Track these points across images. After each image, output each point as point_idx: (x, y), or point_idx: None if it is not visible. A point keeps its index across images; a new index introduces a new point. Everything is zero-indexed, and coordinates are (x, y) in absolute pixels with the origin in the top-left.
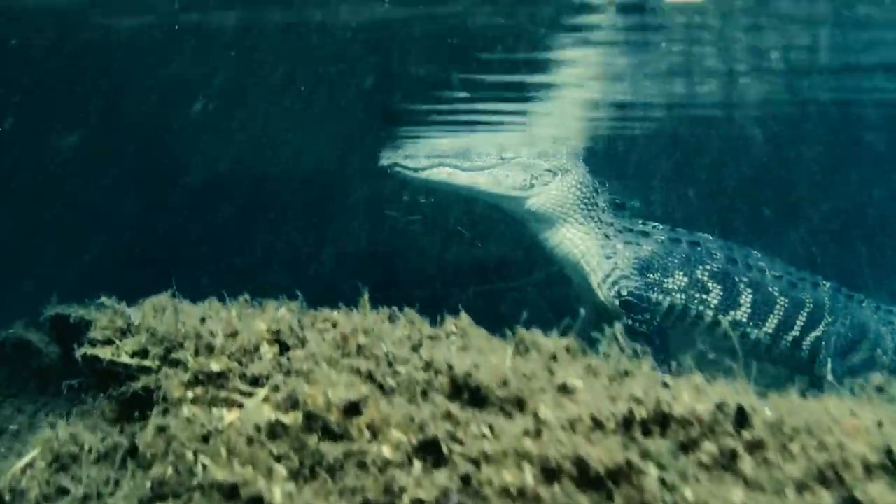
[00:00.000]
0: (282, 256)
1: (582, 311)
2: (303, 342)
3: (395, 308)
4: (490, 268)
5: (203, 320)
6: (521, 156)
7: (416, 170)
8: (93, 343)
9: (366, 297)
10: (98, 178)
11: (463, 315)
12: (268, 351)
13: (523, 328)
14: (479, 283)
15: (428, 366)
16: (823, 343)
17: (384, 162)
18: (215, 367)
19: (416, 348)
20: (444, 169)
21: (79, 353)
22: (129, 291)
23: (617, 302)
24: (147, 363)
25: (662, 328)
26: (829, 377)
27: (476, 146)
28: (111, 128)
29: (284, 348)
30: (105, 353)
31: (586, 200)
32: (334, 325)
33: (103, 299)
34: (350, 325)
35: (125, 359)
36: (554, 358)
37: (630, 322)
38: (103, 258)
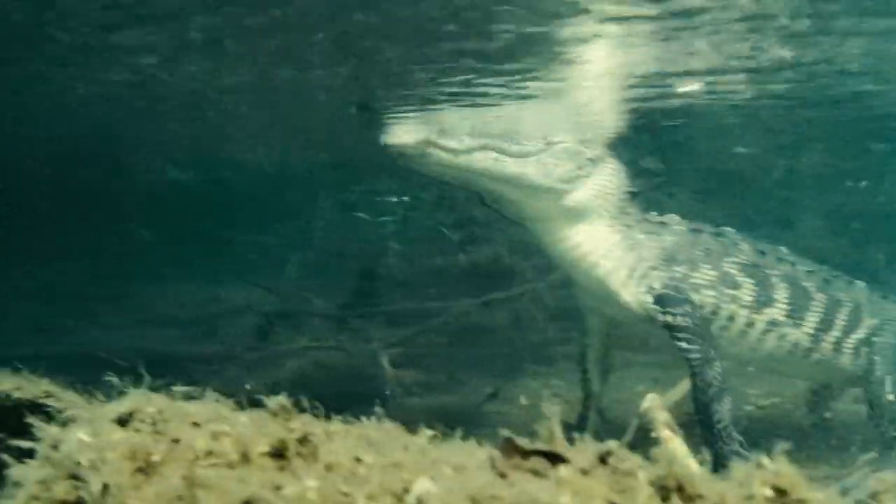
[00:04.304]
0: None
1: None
2: None
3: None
4: (481, 275)
5: None
6: (566, 140)
7: (456, 152)
8: None
9: None
10: None
11: None
12: None
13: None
14: (470, 294)
15: None
16: (878, 358)
17: (407, 139)
18: None
19: None
20: (490, 154)
21: None
22: None
23: (650, 298)
24: None
25: (706, 320)
26: (891, 397)
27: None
28: None
29: None
30: None
31: (619, 193)
32: None
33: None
34: None
35: None
36: None
37: (671, 318)
38: None
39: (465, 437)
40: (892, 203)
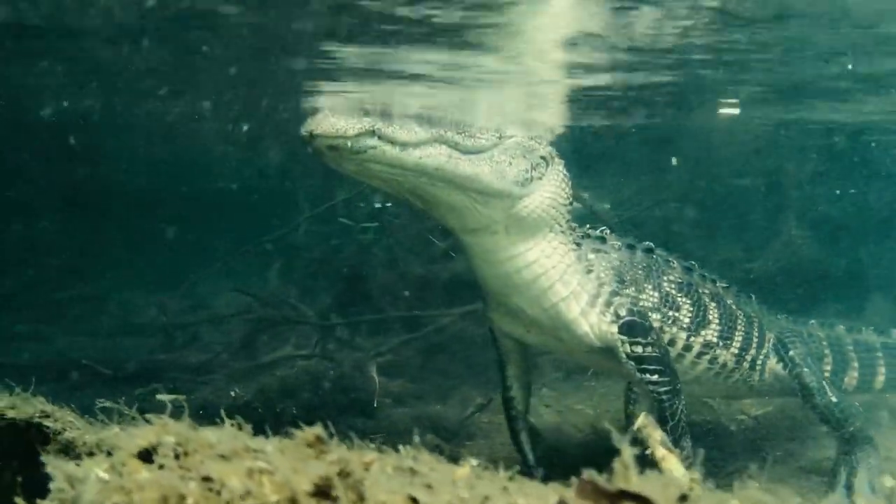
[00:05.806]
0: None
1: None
2: None
3: None
4: (469, 283)
5: None
6: (517, 134)
7: (405, 146)
8: None
9: None
10: None
11: None
12: None
13: None
14: (458, 302)
15: None
16: (806, 370)
17: (344, 128)
18: None
19: None
20: (442, 149)
21: None
22: None
23: (615, 328)
24: None
25: (669, 354)
26: (834, 398)
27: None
28: None
29: None
30: None
31: (571, 199)
32: None
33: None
34: None
35: None
36: None
37: (640, 349)
38: None
39: (456, 448)
40: None
